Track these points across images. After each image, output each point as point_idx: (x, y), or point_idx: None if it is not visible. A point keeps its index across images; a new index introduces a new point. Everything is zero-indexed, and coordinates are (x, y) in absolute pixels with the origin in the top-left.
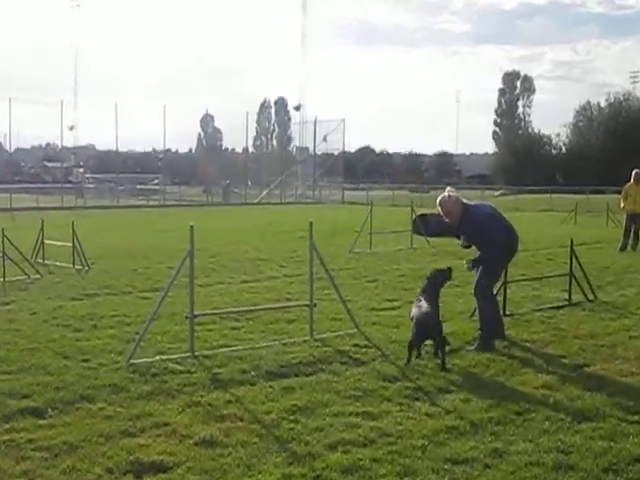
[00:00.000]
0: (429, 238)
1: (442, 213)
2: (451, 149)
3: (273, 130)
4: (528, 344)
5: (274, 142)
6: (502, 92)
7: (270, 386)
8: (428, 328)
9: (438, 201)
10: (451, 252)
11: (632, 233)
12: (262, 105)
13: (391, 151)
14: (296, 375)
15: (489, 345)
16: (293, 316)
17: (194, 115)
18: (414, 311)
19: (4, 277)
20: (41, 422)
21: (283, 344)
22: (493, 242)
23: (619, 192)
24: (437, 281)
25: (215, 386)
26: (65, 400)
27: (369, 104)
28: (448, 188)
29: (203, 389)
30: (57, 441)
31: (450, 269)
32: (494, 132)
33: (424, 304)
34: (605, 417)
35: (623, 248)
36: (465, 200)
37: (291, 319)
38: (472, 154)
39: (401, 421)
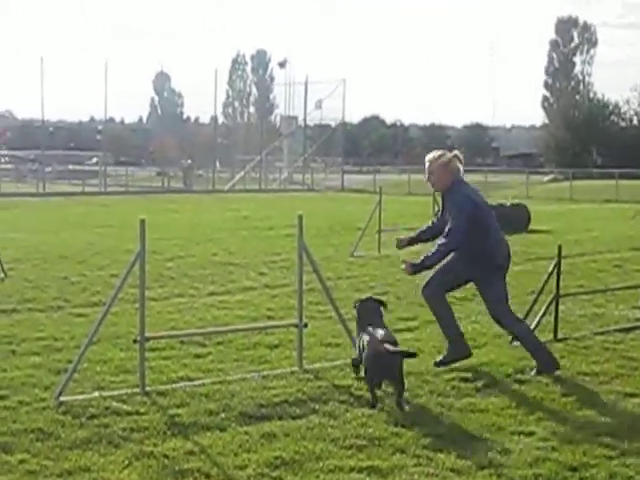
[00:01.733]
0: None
1: (425, 170)
2: (486, 120)
3: (250, 94)
4: (587, 378)
5: (251, 109)
6: (554, 45)
7: (246, 432)
8: (383, 369)
9: (427, 157)
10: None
11: None
12: (235, 61)
13: (406, 122)
14: (280, 418)
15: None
16: (276, 340)
17: (145, 74)
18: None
19: None
20: None
21: (263, 377)
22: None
23: None
24: (370, 311)
25: (173, 432)
26: None
27: (377, 61)
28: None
29: (157, 436)
30: None
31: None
32: (544, 98)
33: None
34: None
35: None
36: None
37: (274, 344)
38: (514, 127)
39: (419, 479)
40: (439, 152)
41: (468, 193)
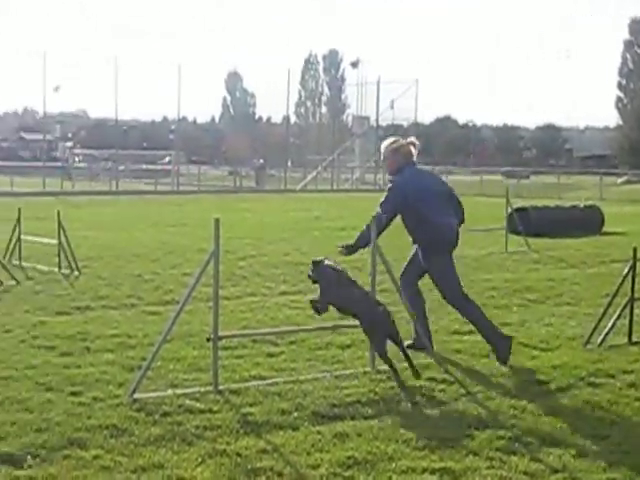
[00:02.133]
0: (528, 238)
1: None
2: (559, 121)
3: (322, 93)
4: None
5: (323, 109)
6: (628, 45)
7: (318, 432)
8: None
9: (382, 144)
10: (558, 257)
11: None
12: (307, 61)
13: (479, 123)
14: (352, 418)
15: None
16: (348, 340)
17: (218, 74)
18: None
19: None
20: (18, 473)
21: (336, 377)
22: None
23: None
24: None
25: (245, 431)
26: (49, 445)
27: (450, 61)
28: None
29: (230, 434)
30: None
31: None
32: (618, 99)
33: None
34: None
35: None
36: (415, 164)
37: (346, 344)
38: (587, 128)
39: None
40: (393, 139)
41: (409, 176)
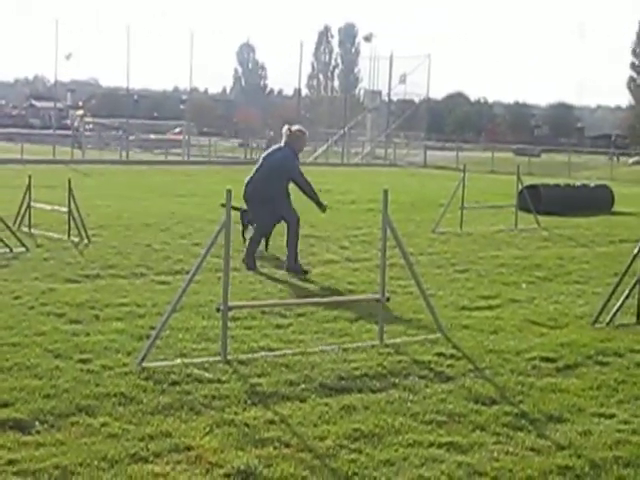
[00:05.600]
0: (538, 216)
1: None
2: (571, 100)
3: (335, 67)
4: None
5: (336, 83)
6: None
7: (326, 404)
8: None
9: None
10: (569, 236)
11: None
12: (322, 34)
13: (491, 100)
14: (360, 391)
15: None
16: (357, 313)
17: (230, 45)
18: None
19: None
20: (26, 439)
21: (344, 349)
22: None
23: None
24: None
25: (253, 401)
26: (57, 412)
27: (463, 37)
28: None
29: (238, 404)
30: (46, 464)
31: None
32: (630, 79)
33: None
34: None
35: None
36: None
37: (355, 317)
38: (599, 107)
39: (498, 457)
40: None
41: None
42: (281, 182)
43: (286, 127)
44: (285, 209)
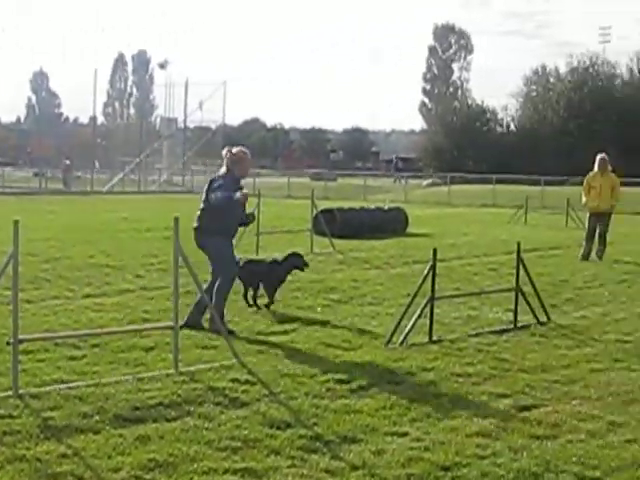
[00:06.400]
0: (333, 240)
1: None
2: (366, 125)
3: (130, 94)
4: (461, 379)
5: (131, 110)
6: (433, 51)
7: (120, 435)
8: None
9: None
10: (364, 259)
11: (597, 237)
12: (117, 61)
13: (287, 125)
14: (155, 420)
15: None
16: (152, 342)
17: (23, 74)
18: None
19: None
20: None
21: (139, 379)
22: None
23: (582, 183)
24: None
25: (46, 435)
26: None
27: (259, 64)
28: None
29: (30, 439)
30: None
31: None
32: (422, 103)
33: None
34: (558, 473)
35: (586, 256)
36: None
37: (149, 346)
38: (394, 131)
39: None
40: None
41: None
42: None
43: (226, 150)
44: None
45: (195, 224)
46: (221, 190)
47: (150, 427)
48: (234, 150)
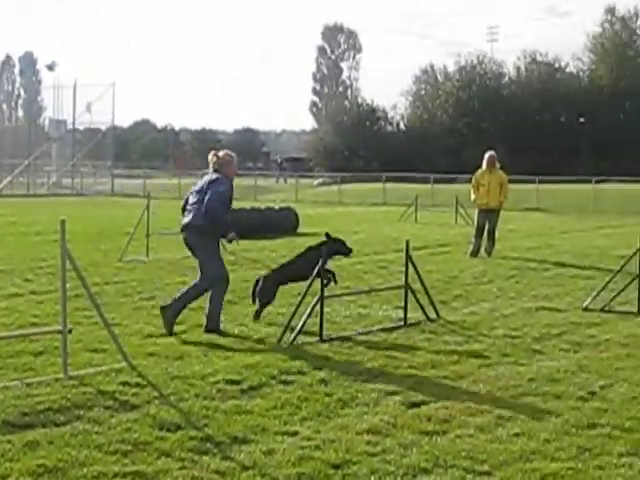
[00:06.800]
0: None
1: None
2: (256, 125)
3: (18, 96)
4: (351, 377)
5: (19, 113)
6: (322, 51)
7: (8, 441)
8: None
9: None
10: (255, 259)
11: (486, 233)
12: (4, 63)
13: (177, 126)
14: (44, 425)
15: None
16: (41, 347)
17: None
18: None
19: None
20: None
21: (27, 384)
22: None
23: (471, 181)
24: None
25: None
26: None
27: (148, 64)
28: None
29: None
30: None
31: None
32: (312, 103)
33: None
34: (447, 468)
35: (475, 253)
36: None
37: (38, 351)
38: (284, 131)
39: None
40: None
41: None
42: None
43: (212, 154)
44: None
45: (185, 221)
46: (220, 184)
47: (39, 432)
48: (220, 154)
